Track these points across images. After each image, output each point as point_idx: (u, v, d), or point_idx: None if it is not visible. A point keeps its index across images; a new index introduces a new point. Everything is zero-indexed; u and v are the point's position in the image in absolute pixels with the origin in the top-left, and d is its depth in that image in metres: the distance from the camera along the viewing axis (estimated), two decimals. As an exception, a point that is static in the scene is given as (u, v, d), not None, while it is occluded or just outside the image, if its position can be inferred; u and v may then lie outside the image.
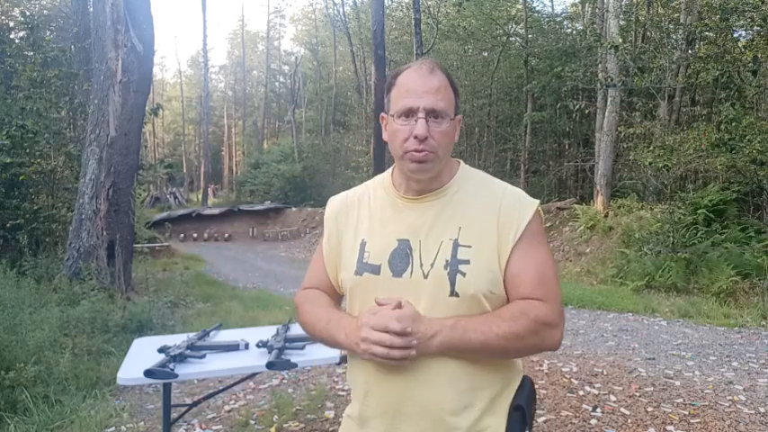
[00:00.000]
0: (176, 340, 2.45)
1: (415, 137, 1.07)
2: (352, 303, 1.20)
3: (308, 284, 1.32)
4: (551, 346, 1.12)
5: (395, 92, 1.13)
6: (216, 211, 23.88)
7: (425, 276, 1.09)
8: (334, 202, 1.30)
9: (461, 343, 1.05)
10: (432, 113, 1.08)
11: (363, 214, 1.22)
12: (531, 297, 1.09)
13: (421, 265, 1.10)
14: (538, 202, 1.16)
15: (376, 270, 1.14)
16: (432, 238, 1.11)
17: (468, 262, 1.08)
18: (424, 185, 1.15)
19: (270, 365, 2.20)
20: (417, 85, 1.09)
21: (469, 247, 1.09)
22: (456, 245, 1.09)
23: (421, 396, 1.08)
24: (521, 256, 1.10)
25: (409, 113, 1.09)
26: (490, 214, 1.11)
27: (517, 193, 1.17)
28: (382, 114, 1.19)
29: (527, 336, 1.06)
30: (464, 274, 1.07)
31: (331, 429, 3.24)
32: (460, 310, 1.07)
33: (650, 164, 9.75)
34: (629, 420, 3.32)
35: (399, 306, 1.04)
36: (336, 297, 1.28)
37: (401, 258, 1.12)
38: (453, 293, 1.07)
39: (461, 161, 1.23)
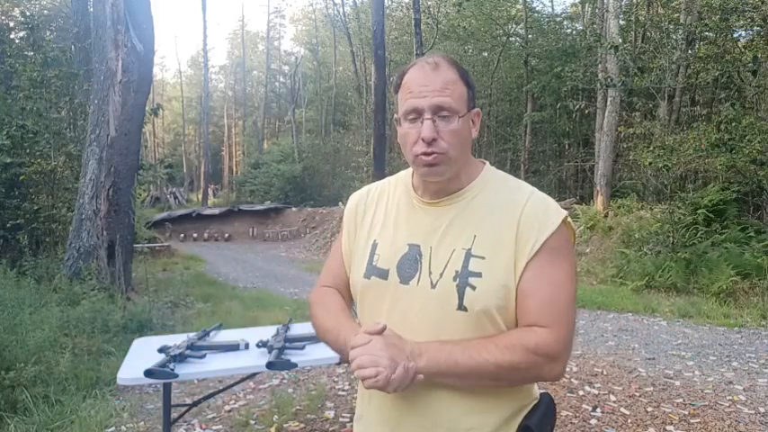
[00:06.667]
0: (176, 340, 2.45)
1: (423, 139, 1.00)
2: (361, 308, 1.15)
3: (325, 282, 1.25)
4: (550, 379, 1.03)
5: (401, 93, 1.05)
6: (216, 211, 23.84)
7: (433, 286, 1.02)
8: (354, 199, 1.24)
9: (446, 366, 0.96)
10: (438, 112, 1.00)
11: (379, 214, 1.16)
12: (537, 323, 0.99)
13: (430, 273, 1.03)
14: (565, 213, 1.03)
15: (384, 275, 1.08)
16: (444, 245, 1.04)
17: (479, 275, 0.99)
18: (440, 187, 1.08)
19: (270, 365, 2.20)
20: (421, 83, 1.01)
21: (483, 258, 1.00)
22: (468, 255, 1.01)
23: (420, 413, 1.03)
24: (534, 273, 0.99)
25: (415, 115, 1.01)
26: (509, 223, 1.01)
27: (544, 200, 1.05)
28: (396, 116, 1.11)
29: (523, 367, 0.98)
30: (474, 288, 0.99)
31: (331, 429, 3.24)
32: (469, 324, 0.99)
33: (650, 164, 9.74)
34: (629, 420, 3.32)
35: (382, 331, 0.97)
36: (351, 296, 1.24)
37: (410, 264, 1.05)
38: (461, 307, 0.99)
39: (486, 162, 1.14)
